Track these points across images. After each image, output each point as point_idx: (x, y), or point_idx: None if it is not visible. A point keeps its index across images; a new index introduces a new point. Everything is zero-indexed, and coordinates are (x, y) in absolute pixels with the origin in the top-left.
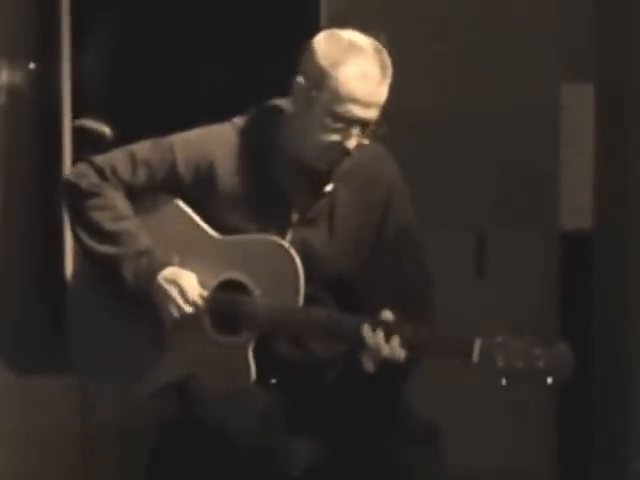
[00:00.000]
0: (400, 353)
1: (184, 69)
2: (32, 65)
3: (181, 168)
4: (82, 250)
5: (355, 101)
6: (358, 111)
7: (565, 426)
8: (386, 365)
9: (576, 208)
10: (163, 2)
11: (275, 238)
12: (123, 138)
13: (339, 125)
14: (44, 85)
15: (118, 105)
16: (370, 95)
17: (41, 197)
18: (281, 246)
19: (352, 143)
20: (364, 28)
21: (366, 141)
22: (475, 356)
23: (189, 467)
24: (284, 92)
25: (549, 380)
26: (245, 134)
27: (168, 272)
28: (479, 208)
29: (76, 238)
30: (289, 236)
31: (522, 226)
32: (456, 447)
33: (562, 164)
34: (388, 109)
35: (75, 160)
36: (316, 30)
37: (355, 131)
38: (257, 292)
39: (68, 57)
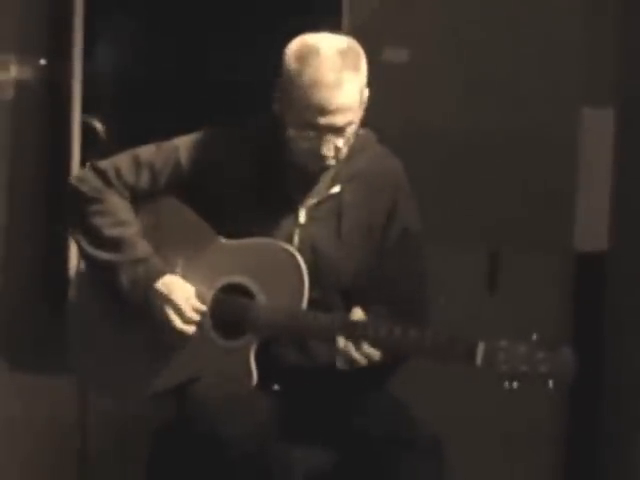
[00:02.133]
0: (374, 353)
1: (197, 69)
2: (43, 61)
3: (186, 170)
4: (82, 255)
5: (314, 110)
6: (320, 119)
7: (572, 444)
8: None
9: (592, 230)
10: (177, 1)
11: (280, 242)
12: (133, 136)
13: (309, 134)
14: (54, 82)
15: (128, 103)
16: (327, 101)
17: (48, 195)
18: (286, 250)
19: (327, 149)
20: (385, 43)
21: (340, 143)
22: (478, 360)
23: (187, 471)
24: None
25: (550, 384)
26: (251, 137)
27: (164, 283)
28: (494, 226)
29: (76, 243)
30: (296, 237)
31: (537, 246)
32: (458, 461)
33: (579, 186)
34: (410, 122)
35: (83, 158)
36: None
37: (328, 137)
38: (261, 296)
39: (80, 54)
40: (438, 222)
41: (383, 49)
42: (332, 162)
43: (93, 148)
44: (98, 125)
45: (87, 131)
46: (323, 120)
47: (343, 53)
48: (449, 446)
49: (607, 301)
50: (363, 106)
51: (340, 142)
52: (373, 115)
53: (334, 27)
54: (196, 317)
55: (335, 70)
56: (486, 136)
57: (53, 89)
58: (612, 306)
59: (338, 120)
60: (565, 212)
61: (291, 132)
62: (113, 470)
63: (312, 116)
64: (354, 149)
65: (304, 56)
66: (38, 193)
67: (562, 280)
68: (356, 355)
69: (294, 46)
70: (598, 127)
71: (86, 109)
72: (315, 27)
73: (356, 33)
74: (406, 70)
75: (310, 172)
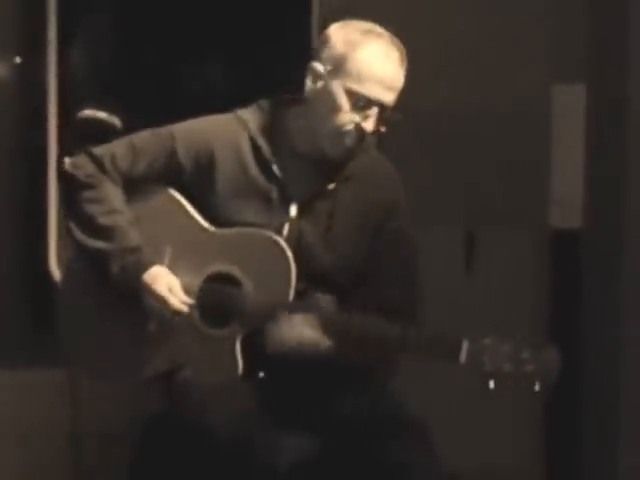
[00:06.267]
0: (320, 340)
1: (174, 64)
2: (17, 59)
3: (182, 156)
4: (74, 243)
5: (377, 81)
6: (379, 91)
7: (553, 425)
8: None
9: (566, 207)
10: None
11: (269, 233)
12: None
13: (359, 104)
14: (30, 80)
15: (104, 100)
16: (391, 76)
17: (26, 192)
18: (274, 241)
19: (369, 125)
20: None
21: (378, 125)
22: (462, 358)
23: (174, 460)
24: (274, 87)
25: (537, 386)
26: (248, 126)
27: (152, 275)
28: (469, 205)
29: (69, 230)
30: (286, 230)
31: (512, 224)
32: (442, 444)
33: (553, 163)
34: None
35: (60, 155)
36: (308, 29)
37: (374, 113)
38: (248, 285)
39: (54, 51)
40: (414, 201)
41: None
42: (355, 143)
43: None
44: (116, 120)
45: (103, 128)
46: (381, 94)
47: (397, 43)
48: (434, 433)
49: (582, 277)
50: None
51: (377, 124)
52: None
53: (304, 13)
54: (183, 307)
55: (399, 51)
56: (459, 114)
57: (28, 86)
58: (586, 282)
59: (390, 98)
60: (539, 189)
61: (342, 101)
62: (102, 458)
63: (373, 87)
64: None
65: (366, 32)
66: (16, 190)
67: (538, 257)
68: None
69: (346, 24)
70: (570, 103)
71: (62, 106)
72: (286, 13)
73: (327, 20)
74: None
75: (331, 158)
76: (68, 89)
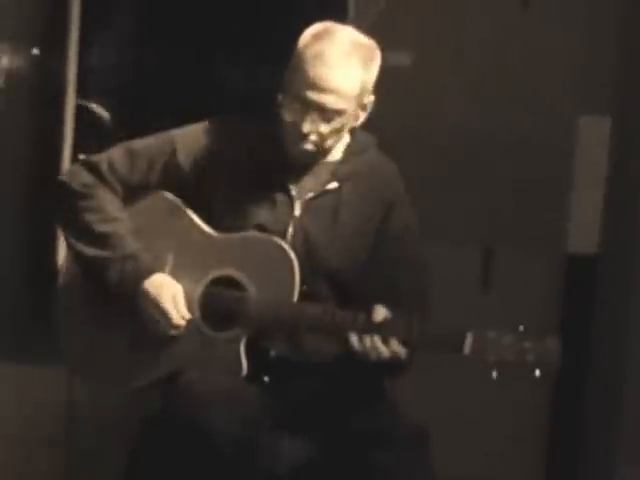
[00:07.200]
0: (401, 350)
1: (192, 60)
2: (35, 51)
3: (181, 158)
4: (71, 252)
5: (307, 83)
6: (310, 93)
7: (554, 434)
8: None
9: (584, 233)
10: None
11: (271, 236)
12: (126, 126)
13: (295, 106)
14: (47, 71)
15: (122, 93)
16: (323, 78)
17: (39, 183)
18: (277, 244)
19: (306, 127)
20: (387, 47)
21: (325, 129)
22: (466, 349)
23: (175, 462)
24: None
25: (537, 372)
26: (251, 128)
27: (152, 283)
28: (490, 227)
29: (66, 239)
30: (290, 229)
31: (531, 247)
32: (441, 452)
33: (574, 191)
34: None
35: (75, 148)
36: None
37: (313, 116)
38: (251, 289)
39: (75, 43)
40: (435, 221)
41: (385, 53)
42: (312, 147)
43: (97, 135)
44: (104, 113)
45: (93, 119)
46: (312, 95)
47: (357, 45)
48: (434, 436)
49: (596, 302)
50: (365, 110)
51: (324, 128)
52: (374, 115)
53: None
54: (182, 322)
55: (342, 53)
56: (484, 139)
57: (46, 78)
58: (600, 306)
59: (327, 101)
60: (559, 215)
61: (282, 101)
62: (99, 460)
63: (304, 89)
64: (354, 150)
65: (319, 34)
66: (29, 183)
67: (554, 281)
68: (385, 351)
69: (314, 26)
70: (595, 135)
71: (80, 98)
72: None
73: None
74: (407, 74)
75: (292, 158)
76: (86, 82)
